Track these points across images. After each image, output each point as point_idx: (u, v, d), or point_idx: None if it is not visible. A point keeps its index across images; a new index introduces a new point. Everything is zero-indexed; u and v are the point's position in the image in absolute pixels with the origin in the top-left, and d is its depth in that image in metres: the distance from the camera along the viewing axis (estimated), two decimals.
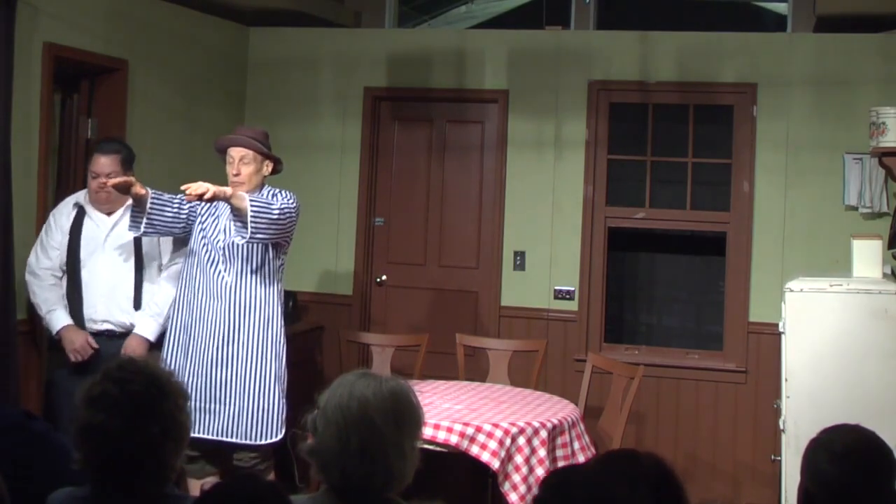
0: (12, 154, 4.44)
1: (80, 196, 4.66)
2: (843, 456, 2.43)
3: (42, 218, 4.72)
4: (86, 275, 4.55)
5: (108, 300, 4.56)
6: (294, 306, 6.11)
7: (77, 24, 5.03)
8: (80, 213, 4.58)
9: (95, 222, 4.59)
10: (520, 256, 6.24)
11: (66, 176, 5.17)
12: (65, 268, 4.55)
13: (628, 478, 2.12)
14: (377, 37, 6.52)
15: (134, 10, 5.49)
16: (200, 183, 4.22)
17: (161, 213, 4.44)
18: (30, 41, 4.69)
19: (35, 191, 4.78)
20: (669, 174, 6.20)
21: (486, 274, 6.34)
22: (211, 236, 4.54)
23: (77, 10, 5.04)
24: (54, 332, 4.50)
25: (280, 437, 4.55)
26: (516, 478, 4.23)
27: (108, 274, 4.58)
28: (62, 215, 4.58)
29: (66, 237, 4.54)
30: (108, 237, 4.58)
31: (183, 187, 4.25)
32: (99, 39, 5.20)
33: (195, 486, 4.52)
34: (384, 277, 6.50)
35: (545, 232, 6.20)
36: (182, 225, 4.55)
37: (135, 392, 2.28)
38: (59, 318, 4.49)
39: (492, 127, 6.35)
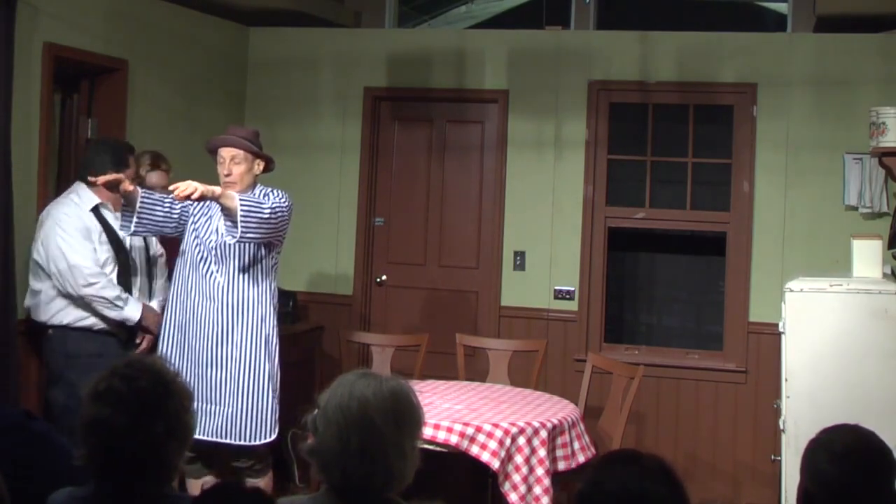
0: (12, 154, 4.44)
1: (83, 196, 4.56)
2: (843, 456, 2.43)
3: None
4: (133, 270, 4.66)
5: (143, 287, 4.72)
6: (294, 306, 6.11)
7: (77, 24, 5.03)
8: (98, 213, 4.58)
9: (118, 220, 4.62)
10: (520, 256, 6.24)
11: (66, 176, 5.16)
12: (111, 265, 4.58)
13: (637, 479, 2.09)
14: (377, 37, 6.52)
15: (134, 10, 5.49)
16: (189, 182, 4.21)
17: (151, 212, 4.44)
18: (30, 41, 4.69)
19: (35, 191, 4.78)
20: (669, 174, 6.20)
21: (486, 274, 6.34)
22: (203, 236, 4.53)
23: (77, 10, 5.05)
24: (137, 317, 4.57)
25: (274, 437, 4.54)
26: (516, 478, 4.23)
27: (140, 265, 4.71)
28: (85, 216, 4.53)
29: (102, 235, 4.55)
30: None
31: (171, 187, 4.25)
32: (99, 39, 5.20)
33: (194, 487, 4.52)
34: (384, 277, 6.50)
35: (545, 232, 6.20)
36: (174, 224, 4.55)
37: (141, 389, 2.29)
38: (136, 303, 4.59)
39: (492, 127, 6.35)
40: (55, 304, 4.52)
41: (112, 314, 4.52)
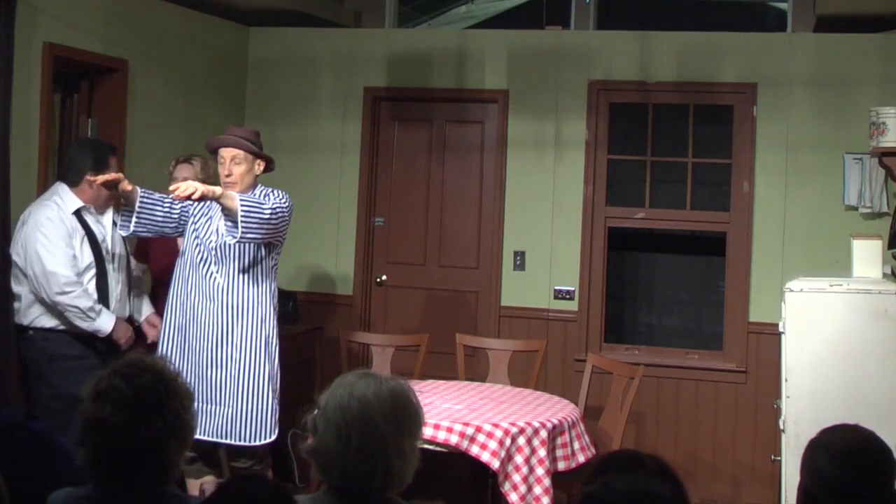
0: (12, 154, 4.44)
1: (65, 198, 4.50)
2: (843, 456, 2.43)
3: None
4: (111, 275, 4.60)
5: (122, 296, 4.66)
6: (294, 306, 6.11)
7: (77, 24, 5.03)
8: (80, 216, 4.53)
9: (101, 223, 4.60)
10: (520, 256, 6.24)
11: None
12: (92, 271, 4.53)
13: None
14: (377, 37, 6.52)
15: (134, 10, 5.49)
16: (189, 182, 4.21)
17: (151, 212, 4.43)
18: (30, 41, 4.69)
19: (35, 191, 4.77)
20: (669, 174, 6.20)
21: (486, 274, 6.34)
22: (203, 236, 4.53)
23: (77, 10, 5.05)
24: (109, 329, 4.48)
25: (273, 437, 4.54)
26: (516, 478, 4.22)
27: (118, 272, 4.65)
28: (67, 220, 4.48)
29: (84, 240, 4.51)
30: (113, 236, 4.61)
31: (171, 188, 4.24)
32: (99, 39, 5.20)
33: (193, 487, 4.52)
34: (384, 277, 6.50)
35: (545, 232, 6.20)
36: (174, 225, 4.54)
37: (142, 387, 2.29)
38: (109, 315, 4.51)
39: (492, 127, 6.35)
40: (35, 309, 4.45)
41: (84, 325, 4.43)
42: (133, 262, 4.87)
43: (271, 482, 2.21)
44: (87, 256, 4.50)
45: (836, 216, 5.80)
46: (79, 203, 4.51)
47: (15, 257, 4.45)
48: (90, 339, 4.51)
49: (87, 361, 4.41)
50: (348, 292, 6.46)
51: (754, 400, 5.86)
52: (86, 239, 4.51)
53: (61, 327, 4.47)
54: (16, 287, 4.48)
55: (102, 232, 4.59)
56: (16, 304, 4.48)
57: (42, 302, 4.43)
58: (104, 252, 4.57)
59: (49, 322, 4.47)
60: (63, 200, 4.50)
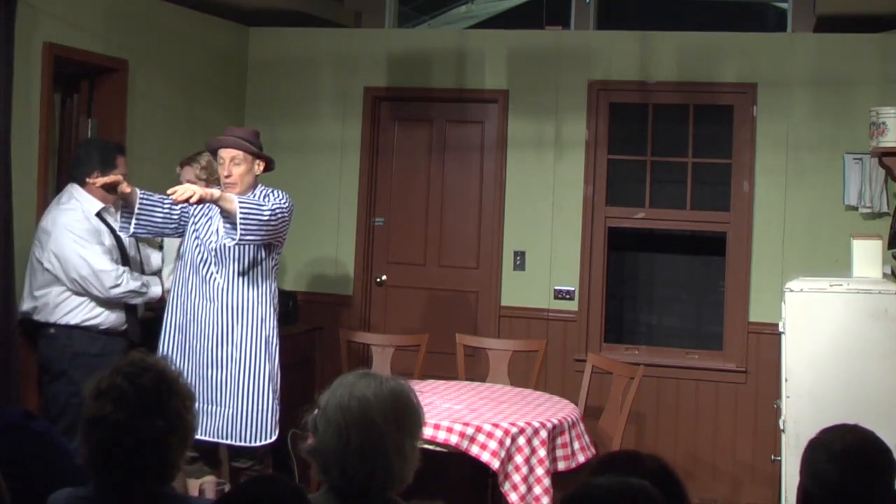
0: (12, 154, 4.44)
1: (83, 200, 4.56)
2: (842, 456, 2.43)
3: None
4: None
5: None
6: (294, 306, 6.11)
7: (77, 24, 5.03)
8: (102, 218, 4.60)
9: (118, 221, 4.64)
10: (520, 256, 6.24)
11: (65, 176, 5.15)
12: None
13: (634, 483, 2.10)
14: (377, 37, 6.53)
15: (134, 10, 5.49)
16: (187, 186, 4.21)
17: (150, 213, 4.43)
18: (30, 41, 4.69)
19: (35, 191, 4.78)
20: (669, 174, 6.20)
21: (486, 274, 6.34)
22: (203, 237, 4.53)
23: (77, 10, 5.05)
24: (160, 292, 4.70)
25: (274, 438, 4.54)
26: (516, 478, 4.23)
27: (134, 271, 4.73)
28: (93, 220, 4.55)
29: (110, 238, 4.58)
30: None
31: (169, 191, 4.23)
32: (99, 39, 5.20)
33: (193, 487, 4.52)
34: (384, 277, 6.50)
35: (545, 232, 6.20)
36: (174, 226, 4.54)
37: (143, 386, 2.29)
38: (156, 280, 4.74)
39: (492, 127, 6.35)
40: (64, 306, 4.50)
41: (139, 300, 4.66)
42: (152, 257, 4.97)
43: (289, 482, 2.20)
44: (115, 253, 4.61)
45: (836, 216, 5.80)
46: (99, 205, 4.59)
47: (47, 265, 4.50)
48: (114, 336, 4.59)
49: (109, 359, 4.42)
50: (348, 292, 6.46)
51: (754, 400, 5.87)
52: (111, 237, 4.60)
53: (85, 324, 4.53)
54: (40, 290, 4.53)
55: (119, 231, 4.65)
56: (39, 303, 4.53)
57: (87, 297, 4.51)
58: (127, 251, 4.69)
59: (77, 318, 4.52)
60: (82, 203, 4.57)
